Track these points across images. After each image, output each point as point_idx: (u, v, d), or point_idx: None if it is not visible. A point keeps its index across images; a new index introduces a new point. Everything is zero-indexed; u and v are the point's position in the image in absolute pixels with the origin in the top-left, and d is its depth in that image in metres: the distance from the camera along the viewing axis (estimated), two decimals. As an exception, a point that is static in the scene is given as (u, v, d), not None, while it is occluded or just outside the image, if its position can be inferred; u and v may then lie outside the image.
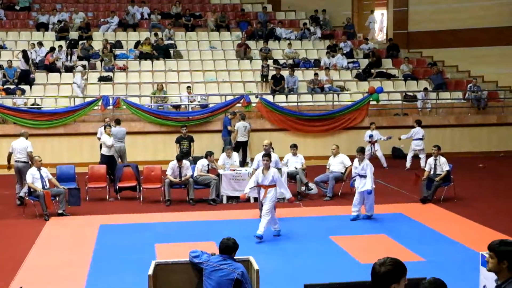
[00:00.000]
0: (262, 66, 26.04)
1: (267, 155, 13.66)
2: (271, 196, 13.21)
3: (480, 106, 26.13)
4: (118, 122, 20.05)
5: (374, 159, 20.85)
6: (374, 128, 22.13)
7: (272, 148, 17.68)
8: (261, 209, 13.67)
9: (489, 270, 5.21)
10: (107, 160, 18.59)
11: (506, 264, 5.07)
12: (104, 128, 19.02)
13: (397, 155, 23.98)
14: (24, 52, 24.79)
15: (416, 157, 21.99)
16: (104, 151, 18.75)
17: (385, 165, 21.83)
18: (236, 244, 7.90)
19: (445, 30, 29.60)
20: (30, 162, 16.44)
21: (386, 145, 22.87)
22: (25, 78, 24.61)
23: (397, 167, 22.07)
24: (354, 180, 15.26)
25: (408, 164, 21.90)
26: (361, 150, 15.39)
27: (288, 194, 13.70)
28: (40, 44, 26.49)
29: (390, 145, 23.90)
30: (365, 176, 14.78)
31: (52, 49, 26.06)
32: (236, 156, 18.32)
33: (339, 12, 32.14)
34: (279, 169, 14.81)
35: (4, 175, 20.74)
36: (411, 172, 19.26)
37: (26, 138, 17.11)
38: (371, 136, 21.96)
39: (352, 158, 17.86)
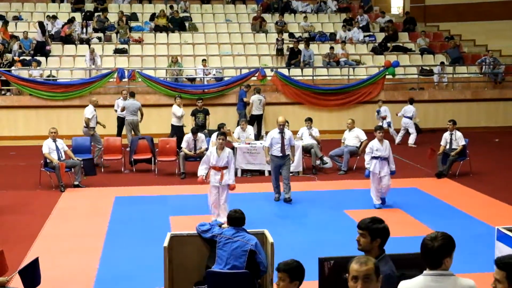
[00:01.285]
0: (277, 40, 25.91)
1: (222, 134, 12.61)
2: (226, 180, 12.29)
3: (497, 80, 25.91)
4: (132, 95, 20.05)
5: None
6: (381, 105, 22.01)
7: (288, 123, 17.68)
8: (215, 194, 12.40)
9: (360, 249, 5.26)
10: (177, 130, 19.21)
11: (379, 242, 5.21)
12: (175, 100, 19.60)
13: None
14: (41, 24, 24.77)
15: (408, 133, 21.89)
16: (174, 121, 19.42)
17: (397, 141, 21.72)
18: (243, 215, 8.02)
19: (462, 3, 29.33)
20: (87, 127, 17.93)
21: (400, 120, 22.73)
22: (41, 49, 24.62)
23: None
24: (369, 167, 13.74)
25: (398, 139, 21.83)
26: (380, 128, 14.27)
27: (230, 181, 12.23)
28: (55, 17, 26.45)
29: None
30: (385, 158, 13.67)
31: (70, 21, 26.04)
32: (251, 130, 18.31)
33: (356, -16, 31.88)
34: (292, 147, 14.61)
35: (20, 146, 20.90)
36: (424, 147, 19.19)
37: (94, 106, 18.46)
38: (378, 112, 21.87)
39: (367, 133, 17.83)
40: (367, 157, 13.78)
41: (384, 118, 21.63)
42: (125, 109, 19.65)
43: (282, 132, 14.10)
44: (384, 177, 13.54)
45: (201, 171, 12.38)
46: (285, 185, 14.12)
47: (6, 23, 25.55)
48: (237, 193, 14.81)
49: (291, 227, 12.35)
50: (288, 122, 17.80)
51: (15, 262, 9.21)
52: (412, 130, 21.69)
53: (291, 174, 16.36)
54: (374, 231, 5.25)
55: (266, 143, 14.48)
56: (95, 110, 18.34)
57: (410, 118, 21.69)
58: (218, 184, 12.17)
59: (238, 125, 18.49)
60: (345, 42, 26.56)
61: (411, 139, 21.49)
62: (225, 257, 7.72)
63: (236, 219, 7.95)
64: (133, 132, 19.57)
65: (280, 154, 14.04)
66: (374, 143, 13.73)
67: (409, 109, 21.78)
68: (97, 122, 18.36)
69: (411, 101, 22.06)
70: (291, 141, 14.39)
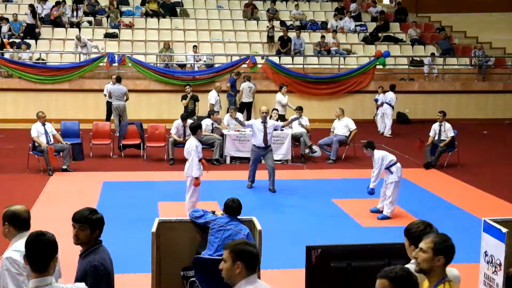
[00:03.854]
0: (267, 27, 25.87)
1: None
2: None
3: (481, 73, 25.96)
4: (119, 80, 20.00)
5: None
6: (380, 92, 22.06)
7: (277, 111, 17.72)
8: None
9: (76, 243, 5.46)
10: (280, 119, 18.54)
11: (96, 234, 5.54)
12: (280, 89, 19.70)
13: (402, 119, 23.95)
14: (32, 7, 24.63)
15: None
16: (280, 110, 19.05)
17: (380, 130, 21.81)
18: (240, 205, 8.02)
19: (454, -5, 29.34)
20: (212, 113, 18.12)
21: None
22: (31, 32, 24.48)
23: (401, 132, 22.04)
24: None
25: (381, 128, 22.03)
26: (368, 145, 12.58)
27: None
28: (45, 0, 26.30)
29: (395, 109, 23.84)
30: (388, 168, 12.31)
31: (57, 3, 25.88)
32: (240, 117, 18.28)
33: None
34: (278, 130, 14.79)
35: (8, 129, 20.81)
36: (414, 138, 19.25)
37: (217, 91, 19.86)
38: (376, 100, 21.95)
39: (356, 122, 17.89)
40: (378, 172, 12.28)
41: (380, 106, 21.71)
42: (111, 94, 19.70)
43: (264, 122, 14.08)
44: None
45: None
46: (270, 174, 14.10)
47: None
48: (226, 180, 14.81)
49: (279, 215, 12.37)
50: (277, 110, 17.85)
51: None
52: (389, 117, 21.78)
53: (279, 162, 16.46)
54: (93, 223, 5.44)
55: (248, 122, 14.81)
56: (218, 95, 19.26)
57: (390, 104, 21.78)
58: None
59: (227, 112, 18.46)
60: (336, 31, 26.56)
61: (387, 129, 21.52)
62: (216, 243, 7.74)
63: (232, 209, 7.96)
64: (120, 118, 19.57)
65: (263, 145, 13.99)
66: (383, 153, 12.50)
67: (389, 95, 21.85)
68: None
69: (391, 87, 22.10)
70: (277, 126, 14.46)
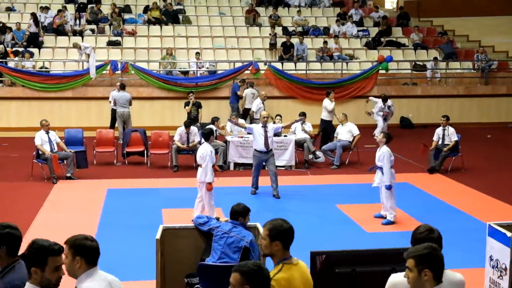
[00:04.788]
0: (270, 34, 25.91)
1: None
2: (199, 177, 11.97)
3: (483, 76, 25.94)
4: (122, 87, 20.05)
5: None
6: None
7: (281, 117, 17.71)
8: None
9: None
10: (327, 125, 19.04)
11: (4, 251, 4.87)
12: (327, 95, 19.38)
13: (405, 124, 23.94)
14: (34, 16, 24.70)
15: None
16: (324, 115, 19.15)
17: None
18: (246, 207, 7.96)
19: (456, -1, 29.36)
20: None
21: (394, 115, 22.75)
22: (34, 41, 24.53)
23: (404, 136, 22.02)
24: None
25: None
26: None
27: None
28: (47, 8, 26.38)
29: (398, 114, 23.88)
30: (381, 168, 12.26)
31: (59, 11, 25.96)
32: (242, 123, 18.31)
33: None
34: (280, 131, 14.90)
35: (12, 137, 20.85)
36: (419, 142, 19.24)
37: (262, 100, 20.25)
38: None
39: (360, 127, 17.87)
40: (388, 169, 12.11)
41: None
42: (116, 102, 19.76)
43: (265, 127, 14.11)
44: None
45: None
46: (273, 181, 14.12)
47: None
48: (229, 186, 14.82)
49: (283, 221, 12.34)
50: (281, 116, 17.87)
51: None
52: (379, 120, 21.90)
53: (283, 168, 16.47)
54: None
55: (249, 125, 14.98)
56: (262, 103, 19.73)
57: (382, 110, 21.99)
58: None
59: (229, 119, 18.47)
60: (338, 37, 26.55)
61: (377, 130, 21.49)
62: (219, 250, 7.71)
63: (237, 212, 7.91)
64: (124, 125, 19.59)
65: (264, 149, 14.04)
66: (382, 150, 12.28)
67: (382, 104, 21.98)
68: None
69: (385, 99, 22.11)
70: (277, 128, 14.52)
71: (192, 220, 8.14)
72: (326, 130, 18.89)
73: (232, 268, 4.34)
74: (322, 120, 19.21)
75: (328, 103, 19.06)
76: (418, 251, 4.47)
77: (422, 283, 4.38)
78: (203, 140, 12.22)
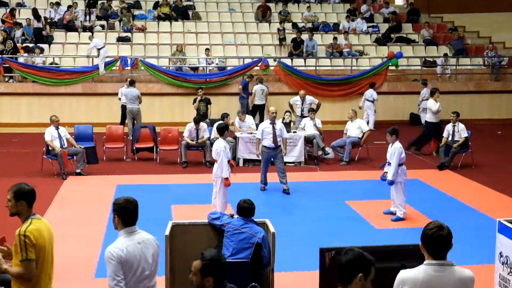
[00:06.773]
0: (278, 30, 25.90)
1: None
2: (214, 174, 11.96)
3: (493, 73, 25.83)
4: (132, 83, 20.02)
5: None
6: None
7: (290, 113, 17.67)
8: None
9: None
10: (432, 127, 17.97)
11: None
12: (431, 94, 18.03)
13: (415, 121, 23.86)
14: (35, 11, 24.81)
15: None
16: (429, 117, 18.11)
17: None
18: (253, 204, 7.98)
19: (467, -6, 29.22)
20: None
21: (404, 111, 22.73)
22: (39, 36, 24.59)
23: (414, 133, 21.92)
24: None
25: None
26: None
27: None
28: (58, 4, 26.45)
29: (408, 110, 23.83)
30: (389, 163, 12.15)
31: (70, 7, 26.03)
32: (250, 119, 18.31)
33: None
34: (285, 139, 14.53)
35: (22, 133, 20.91)
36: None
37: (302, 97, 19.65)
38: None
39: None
40: (396, 162, 11.95)
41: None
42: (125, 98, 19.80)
43: (273, 123, 14.09)
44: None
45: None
46: (281, 177, 14.09)
47: (12, 10, 25.55)
48: (239, 182, 14.81)
49: (292, 217, 12.35)
50: (290, 113, 17.85)
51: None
52: (371, 113, 22.00)
53: (292, 164, 16.47)
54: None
55: (258, 135, 14.48)
56: (300, 98, 19.48)
57: (372, 101, 22.05)
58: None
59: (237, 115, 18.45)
60: (348, 33, 26.50)
61: (370, 123, 21.51)
62: (231, 247, 7.71)
63: (245, 209, 7.92)
64: (134, 121, 19.61)
65: (272, 145, 14.02)
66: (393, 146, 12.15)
67: (369, 93, 22.09)
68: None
69: (372, 85, 22.33)
70: (283, 133, 14.30)
71: (207, 216, 8.14)
72: (432, 134, 18.02)
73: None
74: (426, 122, 18.45)
75: (432, 104, 17.76)
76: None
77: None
78: (216, 136, 12.19)
